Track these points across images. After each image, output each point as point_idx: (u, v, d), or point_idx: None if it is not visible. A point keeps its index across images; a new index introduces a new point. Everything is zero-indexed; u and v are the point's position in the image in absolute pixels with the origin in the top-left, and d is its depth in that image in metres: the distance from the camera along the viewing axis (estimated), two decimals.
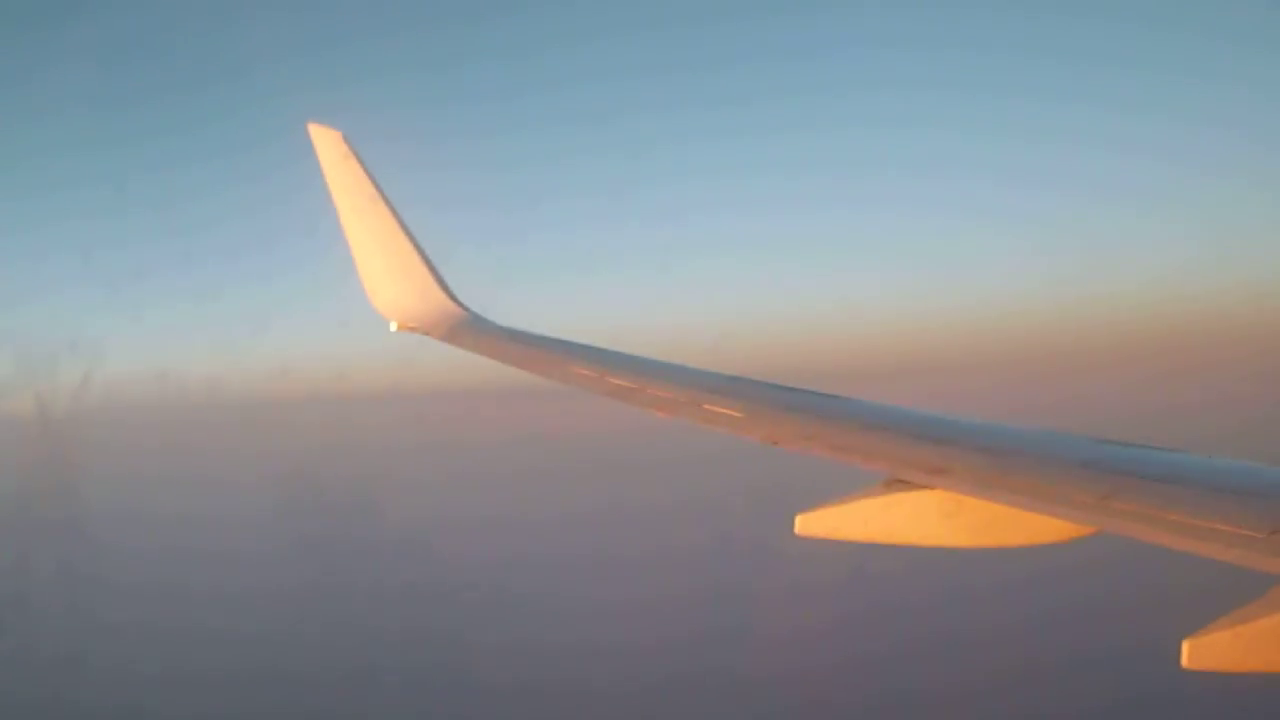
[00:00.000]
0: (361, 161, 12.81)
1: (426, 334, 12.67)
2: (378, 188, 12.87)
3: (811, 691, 51.17)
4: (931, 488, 6.85)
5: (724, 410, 9.02)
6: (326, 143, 12.71)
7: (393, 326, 12.84)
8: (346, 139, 12.80)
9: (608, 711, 51.98)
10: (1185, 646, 5.03)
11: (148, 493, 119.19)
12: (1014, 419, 8.28)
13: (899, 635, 58.35)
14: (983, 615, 57.63)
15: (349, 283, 13.02)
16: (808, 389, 9.71)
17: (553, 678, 55.59)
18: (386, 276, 13.04)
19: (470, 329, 12.73)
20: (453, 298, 13.23)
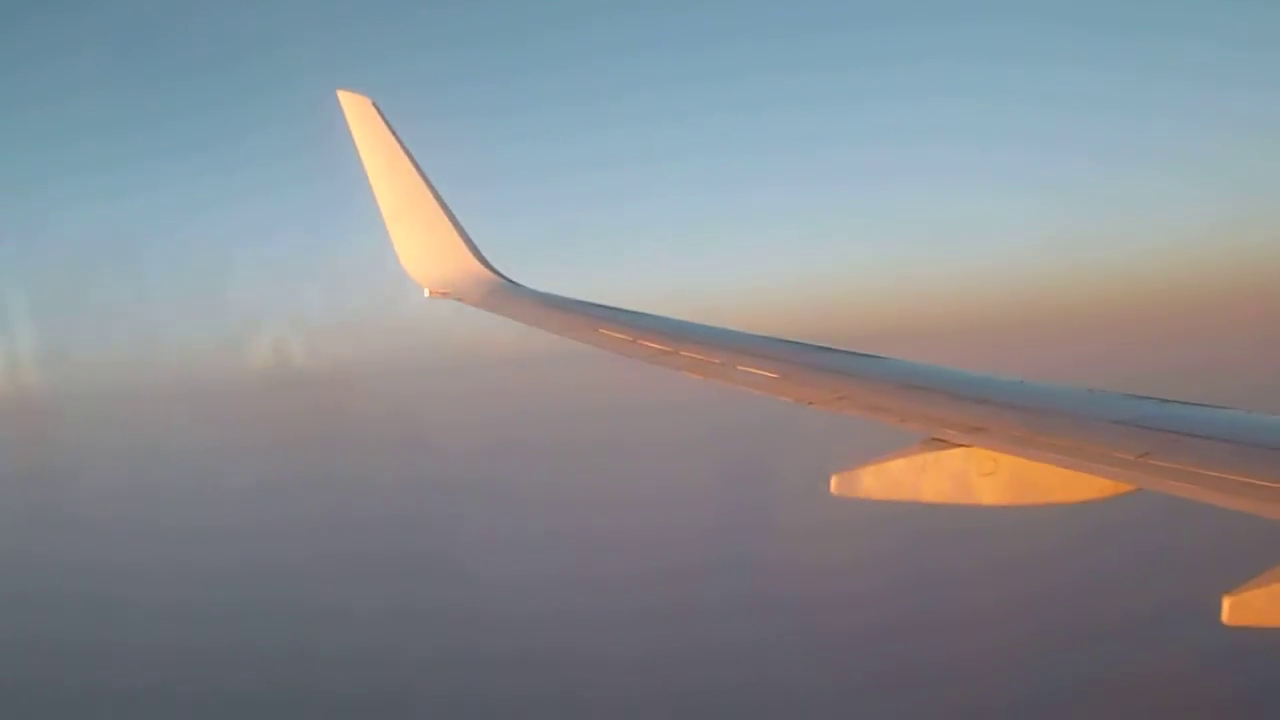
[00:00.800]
0: (392, 127, 12.82)
1: (460, 299, 12.71)
2: (409, 154, 12.88)
3: (856, 655, 51.28)
4: (969, 446, 6.83)
5: (758, 371, 9.01)
6: (357, 109, 12.72)
7: (426, 292, 12.89)
8: (376, 105, 12.80)
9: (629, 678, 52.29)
10: (1226, 603, 5.01)
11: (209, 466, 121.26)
12: (1050, 378, 8.22)
13: (940, 595, 58.32)
14: (1022, 573, 57.40)
15: (383, 250, 13.08)
16: (843, 349, 9.68)
17: (594, 647, 56.05)
18: (419, 242, 13.07)
19: (503, 294, 12.76)
20: (486, 263, 13.26)
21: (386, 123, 12.80)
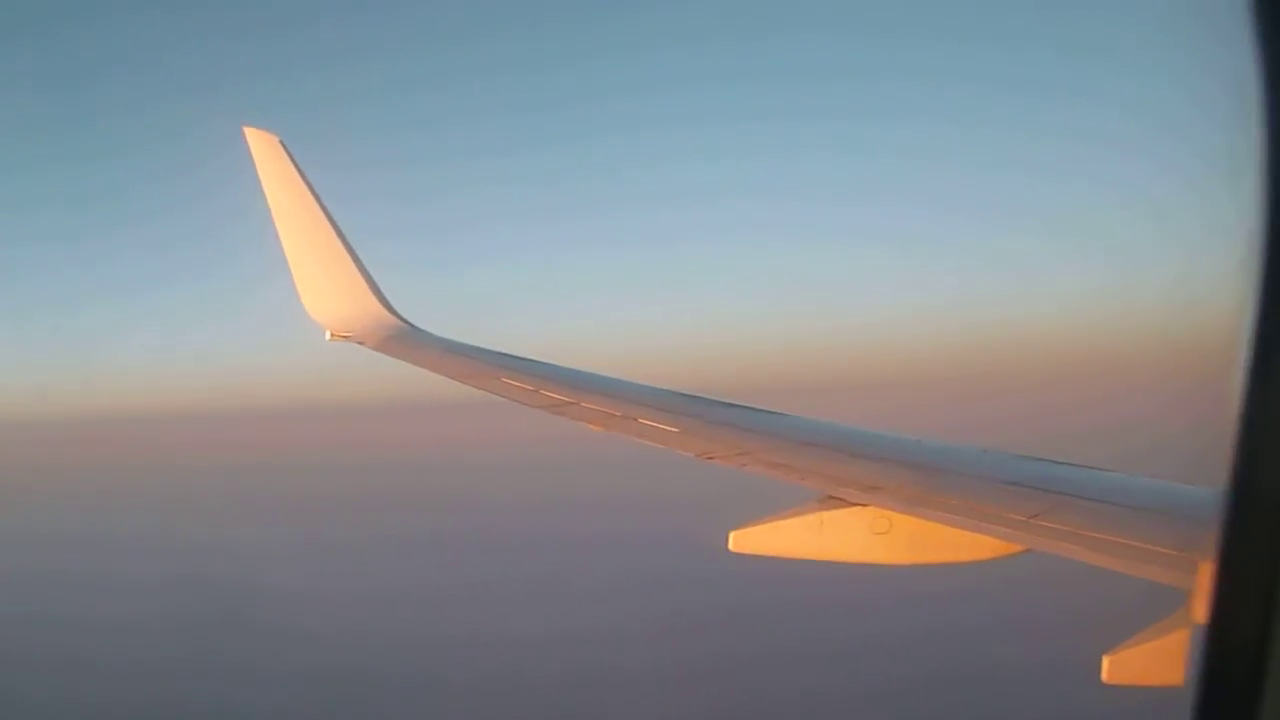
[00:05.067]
0: (298, 166, 12.66)
1: (361, 342, 12.54)
2: (314, 194, 12.72)
3: (739, 706, 51.24)
4: (865, 505, 6.92)
5: (659, 425, 9.04)
6: (263, 147, 12.54)
7: (328, 335, 12.69)
8: (283, 143, 12.64)
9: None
10: (1105, 661, 5.14)
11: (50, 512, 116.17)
12: (946, 437, 8.40)
13: (828, 651, 58.71)
14: (912, 631, 58.15)
15: (286, 289, 12.86)
16: (744, 404, 9.77)
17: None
18: (322, 284, 12.89)
19: (405, 339, 12.63)
20: (388, 307, 13.12)
21: (293, 161, 12.64)
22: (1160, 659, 5.15)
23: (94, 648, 63.38)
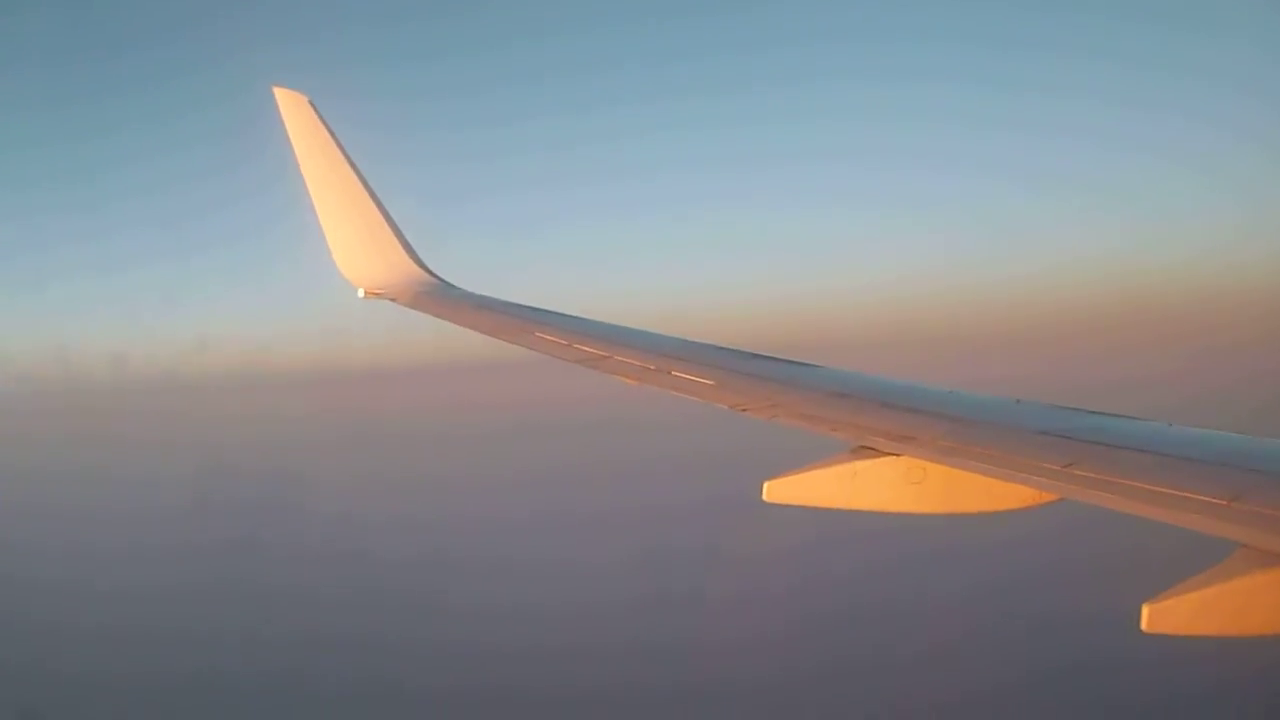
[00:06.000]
0: (328, 125, 12.66)
1: (394, 300, 12.60)
2: (344, 153, 12.74)
3: (776, 658, 51.66)
4: (898, 455, 6.90)
5: (693, 377, 9.03)
6: (292, 107, 12.54)
7: (360, 293, 12.76)
8: (312, 103, 12.63)
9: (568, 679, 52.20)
10: (1145, 611, 5.11)
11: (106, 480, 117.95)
12: (980, 388, 8.34)
13: (864, 601, 58.93)
14: (948, 581, 58.28)
15: (317, 248, 12.92)
16: (777, 356, 9.73)
17: (522, 647, 55.81)
18: (354, 242, 12.94)
19: (437, 295, 12.66)
20: (420, 264, 13.15)
21: (323, 121, 12.64)
22: (1205, 610, 5.10)
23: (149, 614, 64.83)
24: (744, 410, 8.18)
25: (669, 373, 9.23)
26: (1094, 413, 7.37)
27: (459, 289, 12.96)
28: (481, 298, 12.67)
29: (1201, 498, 5.52)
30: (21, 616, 64.61)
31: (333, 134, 12.66)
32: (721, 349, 10.03)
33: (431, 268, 13.21)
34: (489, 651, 55.15)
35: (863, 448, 7.06)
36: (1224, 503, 5.42)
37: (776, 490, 7.01)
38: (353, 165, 12.78)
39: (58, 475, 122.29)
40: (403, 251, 13.08)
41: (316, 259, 12.97)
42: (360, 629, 59.83)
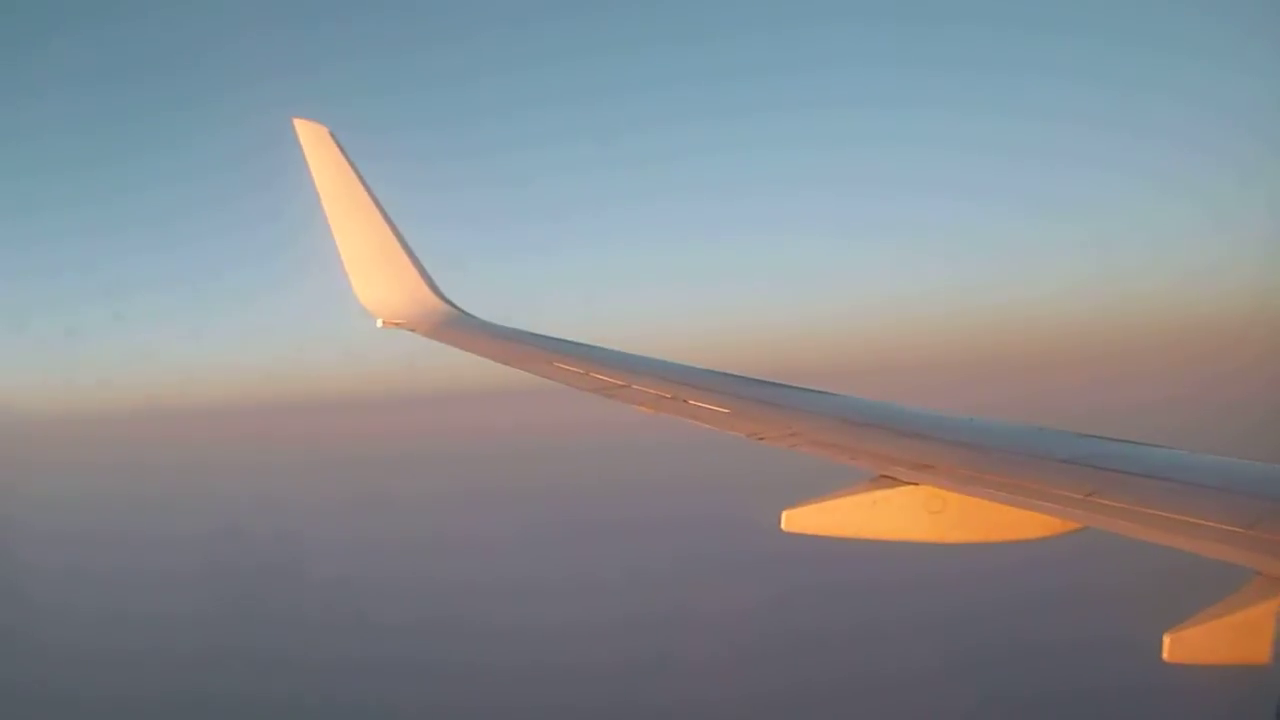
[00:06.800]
0: (348, 156, 12.78)
1: (413, 330, 12.66)
2: (364, 183, 12.84)
3: (797, 683, 51.36)
4: (917, 484, 6.89)
5: (710, 406, 9.04)
6: (312, 138, 12.66)
7: (379, 323, 12.83)
8: (333, 134, 12.76)
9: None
10: (1166, 640, 5.09)
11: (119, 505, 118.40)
12: (999, 415, 8.33)
13: (885, 631, 58.55)
14: (969, 610, 57.86)
15: (336, 279, 13.01)
16: (794, 385, 9.74)
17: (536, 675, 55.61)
18: (373, 272, 13.02)
19: (456, 325, 12.73)
20: (439, 294, 13.23)
21: (343, 151, 12.76)
22: (1224, 638, 5.09)
23: (150, 639, 64.84)
24: (760, 439, 8.18)
25: (685, 401, 9.25)
26: (1114, 440, 7.36)
27: (477, 319, 13.02)
28: (500, 328, 12.73)
29: (1219, 525, 5.51)
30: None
31: (352, 165, 12.77)
32: (738, 377, 10.05)
33: (450, 297, 13.28)
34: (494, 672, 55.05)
35: (882, 477, 7.05)
36: (1241, 530, 5.41)
37: (795, 520, 7.01)
38: (372, 196, 12.88)
39: (58, 502, 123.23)
40: (421, 281, 13.16)
41: (336, 289, 13.07)
42: (362, 651, 59.84)
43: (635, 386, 9.80)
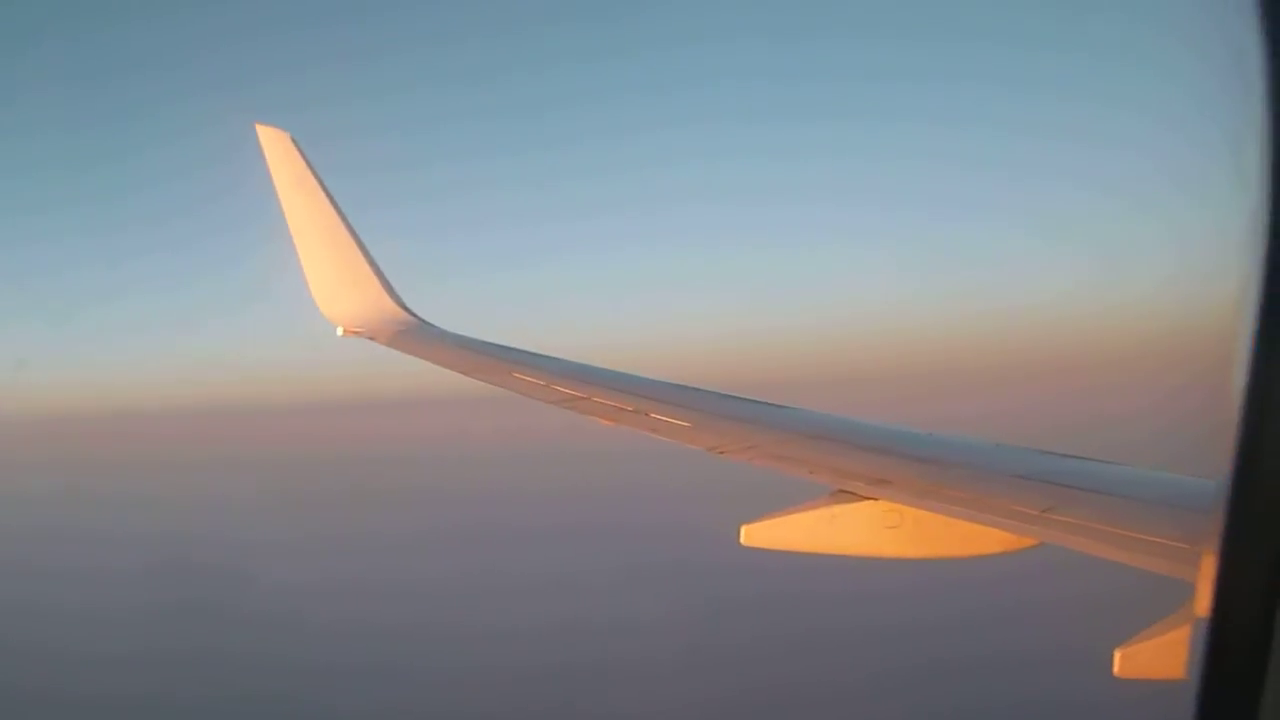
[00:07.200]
0: (310, 163, 12.71)
1: (372, 338, 12.60)
2: (325, 190, 12.77)
3: (750, 700, 51.31)
4: (876, 498, 6.93)
5: (670, 419, 9.06)
6: (275, 144, 12.59)
7: (339, 331, 12.75)
8: (295, 141, 12.68)
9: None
10: (1117, 655, 5.15)
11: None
12: (957, 430, 8.39)
13: (841, 645, 58.69)
14: (924, 624, 58.10)
15: (297, 286, 12.92)
16: (754, 399, 9.78)
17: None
18: (334, 281, 12.94)
19: (416, 335, 12.67)
20: (399, 303, 13.16)
21: (305, 158, 12.68)
22: (1170, 653, 5.16)
23: (97, 641, 63.76)
24: (720, 453, 8.20)
25: (646, 414, 9.26)
26: (1071, 456, 7.44)
27: (437, 328, 12.97)
28: (459, 337, 12.69)
29: (1168, 541, 5.60)
30: None
31: (314, 171, 12.70)
32: (699, 391, 10.07)
33: (411, 306, 13.23)
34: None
35: (841, 491, 7.09)
36: (1187, 546, 5.50)
37: (754, 534, 7.03)
38: (334, 203, 12.81)
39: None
40: (382, 290, 13.09)
41: (295, 296, 12.97)
42: (345, 658, 59.19)
43: (595, 399, 9.80)
